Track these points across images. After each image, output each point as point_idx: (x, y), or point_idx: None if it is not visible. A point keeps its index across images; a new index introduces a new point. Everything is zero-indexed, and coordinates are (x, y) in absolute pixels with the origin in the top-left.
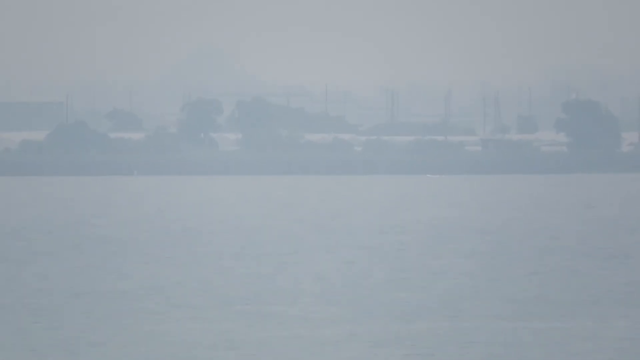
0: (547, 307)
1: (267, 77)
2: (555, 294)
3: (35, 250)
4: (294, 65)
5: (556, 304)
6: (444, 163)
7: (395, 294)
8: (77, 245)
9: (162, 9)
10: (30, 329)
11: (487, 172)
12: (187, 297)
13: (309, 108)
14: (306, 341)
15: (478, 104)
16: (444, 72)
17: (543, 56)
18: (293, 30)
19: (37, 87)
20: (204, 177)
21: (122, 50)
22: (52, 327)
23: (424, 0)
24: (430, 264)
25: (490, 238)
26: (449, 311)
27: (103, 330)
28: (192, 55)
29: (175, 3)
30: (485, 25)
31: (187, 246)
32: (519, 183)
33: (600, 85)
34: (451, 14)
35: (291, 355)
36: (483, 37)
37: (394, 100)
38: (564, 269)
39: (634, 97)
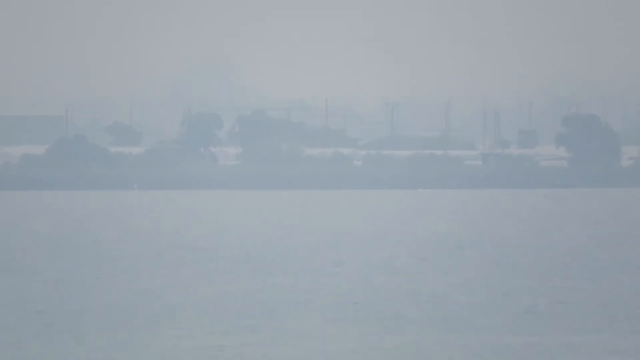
0: (546, 321)
1: (267, 92)
2: (554, 308)
3: (35, 264)
4: (295, 80)
5: (555, 317)
6: (443, 177)
7: (399, 307)
8: (77, 259)
9: (162, 23)
10: (26, 344)
11: (486, 186)
12: (188, 312)
13: (309, 122)
14: (309, 356)
15: (478, 118)
16: (444, 86)
17: (543, 70)
18: (293, 45)
19: (37, 101)
20: (204, 191)
21: (123, 65)
22: (49, 342)
23: (424, 14)
24: (431, 278)
25: (491, 252)
26: (451, 325)
27: (102, 346)
28: (192, 69)
29: (176, 17)
30: (486, 39)
31: (187, 261)
32: (519, 197)
33: (600, 100)
34: (451, 28)
35: None
36: (483, 51)
37: (394, 114)
38: (565, 283)
39: (634, 111)
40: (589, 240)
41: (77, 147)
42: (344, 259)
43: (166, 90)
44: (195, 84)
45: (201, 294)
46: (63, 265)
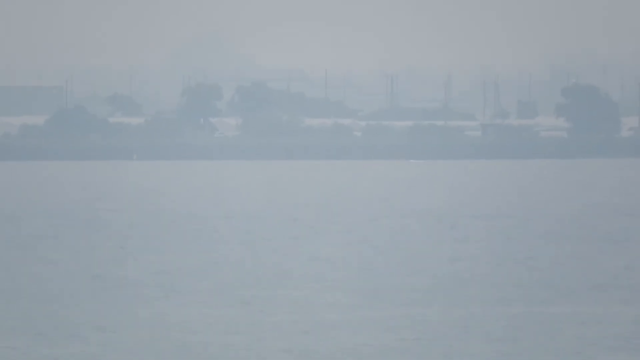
0: (548, 292)
1: (266, 62)
2: (556, 279)
3: (36, 235)
4: (294, 50)
5: (557, 288)
6: (443, 148)
7: (398, 278)
8: (77, 230)
9: None
10: (34, 314)
11: (486, 157)
12: (189, 282)
13: (308, 93)
14: (310, 325)
15: (478, 89)
16: (444, 57)
17: (543, 41)
18: (292, 16)
19: (36, 71)
20: (203, 161)
21: (122, 35)
22: (55, 312)
23: None
24: (432, 249)
25: (491, 223)
26: (452, 296)
27: (106, 315)
28: (192, 40)
29: None
30: (485, 10)
31: (187, 231)
32: (519, 168)
33: (600, 70)
34: None
35: (294, 340)
36: (483, 21)
37: (394, 85)
38: (565, 253)
39: (634, 81)
40: (589, 210)
41: (77, 117)
42: (342, 229)
43: (166, 61)
44: (194, 55)
45: (197, 265)
46: (63, 236)
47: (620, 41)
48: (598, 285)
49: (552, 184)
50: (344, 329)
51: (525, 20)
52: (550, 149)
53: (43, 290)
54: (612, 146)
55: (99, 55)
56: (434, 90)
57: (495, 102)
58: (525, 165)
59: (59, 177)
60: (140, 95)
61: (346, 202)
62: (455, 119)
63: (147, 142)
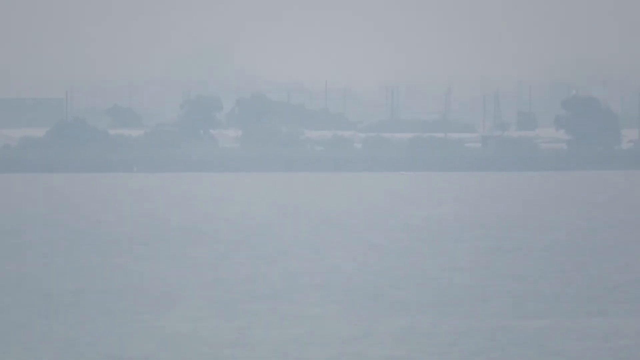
0: (547, 304)
1: (266, 74)
2: (555, 291)
3: (36, 247)
4: (294, 62)
5: (556, 301)
6: (443, 160)
7: (399, 290)
8: (77, 242)
9: (162, 5)
10: (30, 326)
11: (486, 169)
12: (190, 295)
13: (308, 105)
14: (312, 338)
15: (478, 100)
16: (444, 69)
17: (543, 53)
18: (292, 27)
19: (36, 83)
20: (203, 173)
21: (122, 47)
22: (53, 324)
23: None
24: (433, 261)
25: (492, 235)
26: (452, 308)
27: (105, 328)
28: (191, 52)
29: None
30: (485, 22)
31: (188, 243)
32: (519, 180)
33: (600, 82)
34: (451, 10)
35: (295, 353)
36: (483, 34)
37: (394, 97)
38: (564, 265)
39: (634, 93)
40: (589, 223)
41: (77, 129)
42: (344, 242)
43: (166, 73)
44: (194, 67)
45: (200, 278)
46: (64, 248)
47: (620, 53)
48: (597, 297)
49: (552, 196)
50: (347, 341)
51: (525, 32)
52: (550, 161)
53: (44, 302)
54: (612, 158)
55: (99, 67)
56: (434, 103)
57: (495, 114)
58: (525, 177)
59: (59, 189)
60: (140, 107)
61: (346, 215)
62: (455, 131)
63: (147, 154)
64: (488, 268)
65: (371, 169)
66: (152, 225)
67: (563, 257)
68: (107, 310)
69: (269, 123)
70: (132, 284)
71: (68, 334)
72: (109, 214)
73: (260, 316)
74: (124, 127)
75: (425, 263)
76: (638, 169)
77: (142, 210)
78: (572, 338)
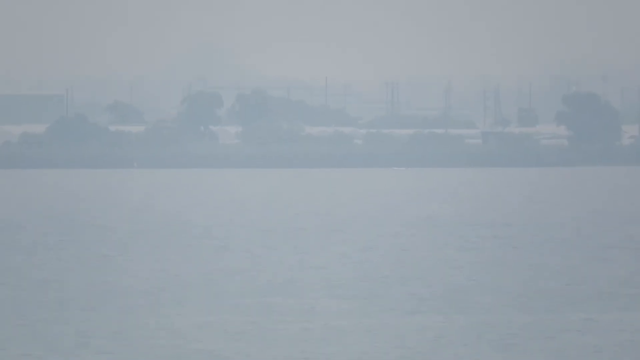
0: (550, 299)
1: (267, 71)
2: (558, 287)
3: (36, 243)
4: (294, 59)
5: (559, 296)
6: (443, 156)
7: (401, 286)
8: (77, 238)
9: (163, 2)
10: (34, 323)
11: (487, 165)
12: (190, 291)
13: (309, 101)
14: (315, 334)
15: (478, 97)
16: (445, 65)
17: (543, 49)
18: (293, 24)
19: (37, 80)
20: (204, 170)
21: (123, 44)
22: (61, 319)
23: None
24: (434, 257)
25: (492, 231)
26: (455, 304)
27: (106, 323)
28: (192, 49)
29: None
30: (486, 18)
31: (188, 239)
32: (519, 176)
33: (600, 79)
34: (452, 7)
35: (295, 348)
36: (483, 30)
37: (394, 94)
38: (566, 261)
39: (634, 89)
40: (590, 218)
41: (77, 126)
42: (347, 238)
43: (166, 70)
44: (195, 63)
45: (202, 273)
46: (64, 244)
47: (620, 49)
48: (599, 292)
49: (553, 192)
50: (349, 337)
51: (525, 28)
52: (550, 157)
53: (46, 297)
54: (613, 154)
55: (99, 63)
56: (435, 99)
57: (495, 110)
58: (525, 173)
59: (59, 185)
60: (141, 103)
61: (347, 210)
62: (455, 127)
63: (147, 150)
64: (490, 264)
65: (371, 165)
66: (152, 221)
67: (565, 252)
68: (109, 304)
69: (269, 119)
70: (133, 278)
71: (69, 328)
72: (109, 210)
73: (262, 311)
74: (124, 124)
75: (424, 259)
76: (638, 164)
77: (141, 206)
78: (575, 333)
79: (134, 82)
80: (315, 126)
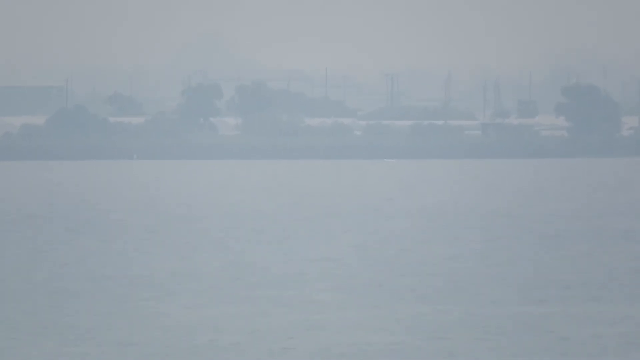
0: (549, 290)
1: (266, 62)
2: (558, 278)
3: (36, 235)
4: (294, 50)
5: (558, 287)
6: (443, 147)
7: (400, 277)
8: (78, 230)
9: None
10: (33, 314)
11: (487, 156)
12: (194, 282)
13: (309, 92)
14: (313, 325)
15: (478, 88)
16: (444, 56)
17: (543, 41)
18: (293, 15)
19: (37, 71)
20: (203, 161)
21: (124, 36)
22: (56, 312)
23: None
24: (435, 249)
25: (492, 223)
26: (453, 295)
27: (108, 315)
28: (192, 40)
29: None
30: (486, 10)
31: (189, 231)
32: (519, 167)
33: (600, 70)
34: None
35: (296, 339)
36: (483, 21)
37: (394, 85)
38: (565, 252)
39: (634, 81)
40: (590, 210)
41: (77, 117)
42: (346, 229)
43: (166, 61)
44: (195, 55)
45: (203, 265)
46: (64, 235)
47: (620, 41)
48: (599, 284)
49: (553, 184)
50: (347, 328)
51: (525, 19)
52: (550, 149)
53: (49, 289)
54: (613, 145)
55: (99, 55)
56: (434, 90)
57: (495, 101)
58: (525, 165)
59: (59, 176)
60: (141, 95)
61: (347, 202)
62: (455, 119)
63: (147, 141)
64: (491, 255)
65: (371, 157)
66: (152, 213)
67: (566, 244)
68: (110, 297)
69: (269, 111)
70: (134, 271)
71: (71, 321)
72: (109, 202)
73: (264, 303)
74: (124, 115)
75: (428, 250)
76: (638, 156)
77: (141, 198)
78: (579, 324)
79: (134, 74)
80: (315, 117)
